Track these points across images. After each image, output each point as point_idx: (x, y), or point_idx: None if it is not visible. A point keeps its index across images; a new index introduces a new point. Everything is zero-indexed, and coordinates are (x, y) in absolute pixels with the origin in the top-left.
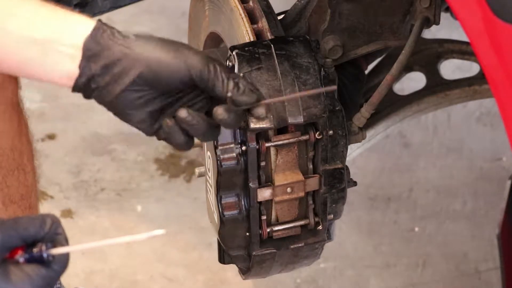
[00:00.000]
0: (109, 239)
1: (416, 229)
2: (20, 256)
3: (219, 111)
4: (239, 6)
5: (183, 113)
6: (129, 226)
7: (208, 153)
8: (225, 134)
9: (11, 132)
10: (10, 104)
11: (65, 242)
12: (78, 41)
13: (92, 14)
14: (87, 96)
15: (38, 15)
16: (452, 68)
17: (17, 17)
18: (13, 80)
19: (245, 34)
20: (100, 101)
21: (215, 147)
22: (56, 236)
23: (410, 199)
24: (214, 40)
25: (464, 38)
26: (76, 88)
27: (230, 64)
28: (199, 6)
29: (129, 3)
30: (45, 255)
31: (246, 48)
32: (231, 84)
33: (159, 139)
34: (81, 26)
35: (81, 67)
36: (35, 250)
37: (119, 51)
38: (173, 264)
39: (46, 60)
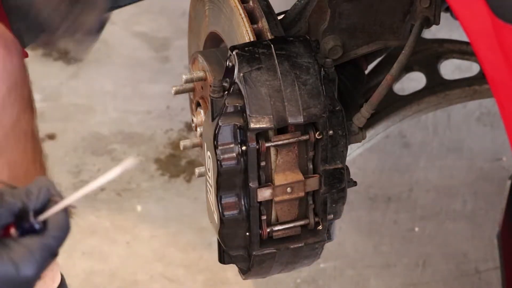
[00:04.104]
0: (89, 184)
1: (416, 229)
2: (14, 232)
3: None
4: (239, 6)
5: None
6: (129, 226)
7: (208, 153)
8: (225, 134)
9: (25, 161)
10: (24, 135)
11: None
12: None
13: None
14: None
15: None
16: (452, 68)
17: None
18: (29, 111)
19: (245, 34)
20: None
21: (215, 147)
22: (48, 199)
23: (410, 199)
24: (214, 40)
25: (464, 38)
26: None
27: (230, 64)
28: (199, 6)
29: (129, 3)
30: (36, 225)
31: (246, 48)
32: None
33: None
34: None
35: None
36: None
37: None
38: (173, 264)
39: None
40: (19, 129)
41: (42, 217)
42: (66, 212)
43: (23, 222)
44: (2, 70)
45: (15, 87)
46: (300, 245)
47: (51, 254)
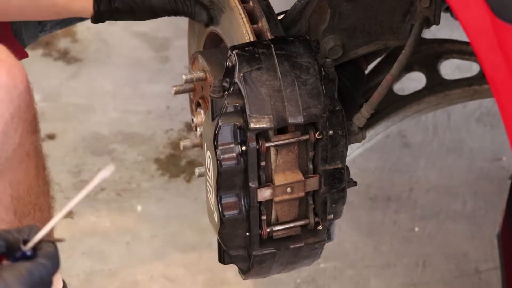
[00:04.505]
0: (72, 200)
1: (416, 229)
2: (6, 263)
3: None
4: (239, 6)
5: None
6: (129, 226)
7: (208, 153)
8: (225, 134)
9: (28, 179)
10: (26, 155)
11: (48, 242)
12: None
13: None
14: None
15: None
16: (452, 68)
17: None
18: (32, 132)
19: (245, 34)
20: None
21: (215, 147)
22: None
23: (410, 199)
24: (214, 40)
25: (464, 38)
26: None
27: (230, 64)
28: None
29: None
30: (27, 253)
31: (246, 48)
32: None
33: None
34: None
35: None
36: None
37: None
38: (173, 264)
39: None
40: (21, 151)
41: (30, 243)
42: (55, 244)
43: (15, 252)
44: (5, 96)
45: (18, 112)
46: (300, 245)
47: (41, 279)
